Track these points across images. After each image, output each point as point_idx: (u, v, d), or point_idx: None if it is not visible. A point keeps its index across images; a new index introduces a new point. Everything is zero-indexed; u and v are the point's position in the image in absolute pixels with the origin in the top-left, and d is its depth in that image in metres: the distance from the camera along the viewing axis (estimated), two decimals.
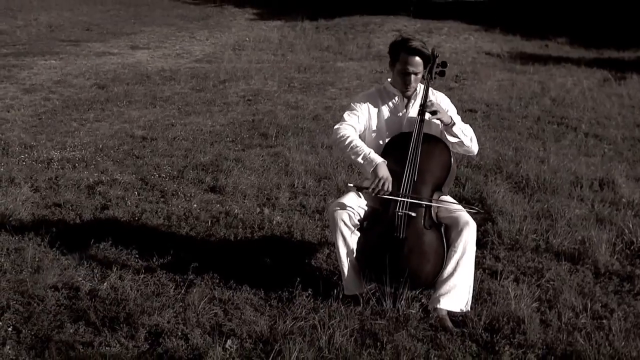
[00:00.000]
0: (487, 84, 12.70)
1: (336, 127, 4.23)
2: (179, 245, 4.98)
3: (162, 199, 6.06)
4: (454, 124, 4.13)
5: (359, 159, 4.04)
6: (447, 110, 4.25)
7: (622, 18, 21.28)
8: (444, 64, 4.32)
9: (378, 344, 3.67)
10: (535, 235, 5.22)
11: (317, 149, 7.77)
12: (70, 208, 5.74)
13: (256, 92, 11.65)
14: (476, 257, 4.31)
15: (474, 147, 4.28)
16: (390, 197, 4.02)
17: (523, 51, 17.65)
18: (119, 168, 6.99)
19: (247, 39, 18.43)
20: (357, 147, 4.06)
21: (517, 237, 5.14)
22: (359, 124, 4.26)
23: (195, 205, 5.83)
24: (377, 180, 3.95)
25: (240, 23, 21.92)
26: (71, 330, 3.80)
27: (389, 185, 3.96)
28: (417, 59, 4.10)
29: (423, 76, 4.23)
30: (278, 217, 5.60)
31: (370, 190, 3.97)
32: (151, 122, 9.18)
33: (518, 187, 6.41)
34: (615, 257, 4.86)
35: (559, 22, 21.43)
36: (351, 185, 4.13)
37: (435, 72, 4.28)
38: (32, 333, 3.78)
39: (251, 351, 3.59)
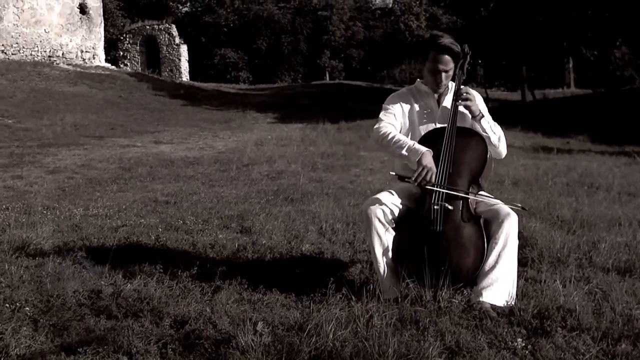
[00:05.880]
0: (512, 166, 12.57)
1: (376, 127, 4.15)
2: (205, 262, 4.77)
3: (187, 235, 5.88)
4: (483, 116, 4.03)
5: (404, 152, 3.92)
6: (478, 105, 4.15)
7: None
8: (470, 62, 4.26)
9: (420, 325, 3.41)
10: (577, 255, 4.97)
11: (344, 207, 7.58)
12: (93, 237, 5.59)
13: (280, 171, 11.57)
14: (517, 271, 4.08)
15: (501, 147, 4.10)
16: (429, 187, 3.86)
17: (545, 145, 17.60)
18: (142, 218, 6.84)
19: (269, 136, 18.55)
20: (400, 140, 3.98)
21: (559, 255, 4.90)
22: (397, 121, 4.18)
23: (221, 236, 5.64)
24: (420, 169, 3.80)
25: (261, 125, 22.18)
26: (92, 322, 3.58)
27: (432, 175, 3.81)
28: (447, 57, 4.05)
29: (454, 74, 4.15)
30: (307, 245, 5.40)
31: (413, 179, 3.81)
32: (175, 192, 9.07)
33: (555, 225, 6.18)
34: None
35: (579, 122, 21.54)
36: (393, 173, 4.01)
37: (467, 68, 4.20)
38: (50, 323, 3.57)
39: (284, 337, 3.34)
